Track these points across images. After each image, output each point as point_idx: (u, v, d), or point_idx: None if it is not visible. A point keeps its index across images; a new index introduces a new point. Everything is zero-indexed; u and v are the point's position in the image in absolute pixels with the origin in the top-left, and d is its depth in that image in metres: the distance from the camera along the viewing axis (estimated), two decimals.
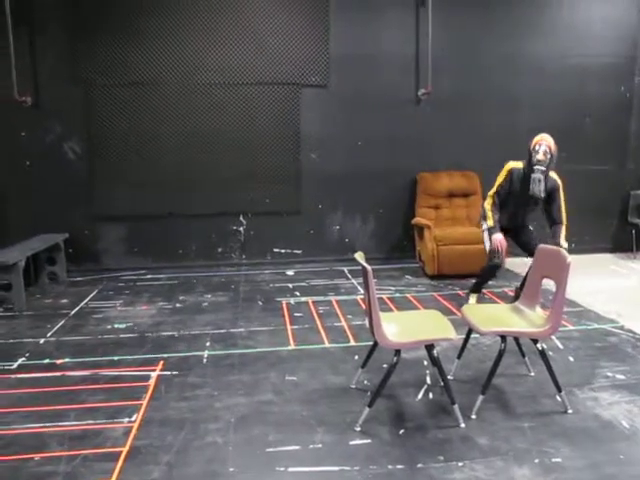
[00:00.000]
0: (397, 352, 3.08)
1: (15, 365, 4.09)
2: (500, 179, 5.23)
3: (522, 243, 5.39)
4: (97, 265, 7.05)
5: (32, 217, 6.80)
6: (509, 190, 5.19)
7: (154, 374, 3.89)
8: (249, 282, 6.44)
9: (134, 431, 3.11)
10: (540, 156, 4.97)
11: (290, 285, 6.23)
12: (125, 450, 2.91)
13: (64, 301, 5.79)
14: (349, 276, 6.61)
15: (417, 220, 6.90)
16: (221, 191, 7.00)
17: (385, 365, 3.74)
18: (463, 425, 3.11)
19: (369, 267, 2.95)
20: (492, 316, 3.45)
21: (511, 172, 5.18)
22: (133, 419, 3.24)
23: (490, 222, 5.20)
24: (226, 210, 7.07)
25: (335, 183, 7.16)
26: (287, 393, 3.57)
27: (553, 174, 5.12)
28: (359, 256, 3.15)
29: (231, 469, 2.74)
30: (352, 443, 2.96)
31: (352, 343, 4.44)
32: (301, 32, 6.88)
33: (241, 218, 7.14)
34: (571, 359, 4.08)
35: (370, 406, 3.12)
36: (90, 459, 2.83)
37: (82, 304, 5.67)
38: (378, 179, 7.23)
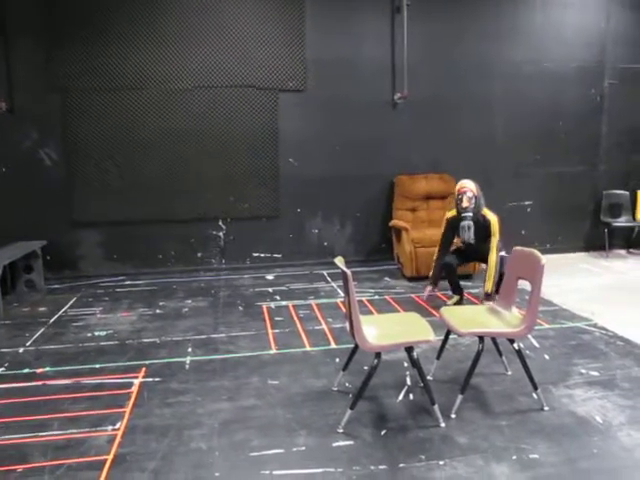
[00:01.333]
0: (377, 355, 3.14)
1: None
2: (442, 230, 5.50)
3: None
4: (75, 272, 7.01)
5: (8, 224, 6.73)
6: (453, 235, 5.43)
7: (137, 381, 3.89)
8: (229, 287, 6.46)
9: (118, 439, 3.12)
10: (464, 204, 5.19)
11: (270, 289, 6.26)
12: (110, 458, 2.92)
13: (42, 309, 5.75)
14: (329, 279, 6.66)
15: (394, 222, 6.98)
16: (200, 196, 7.01)
17: (366, 367, 3.79)
18: (443, 425, 3.18)
19: (349, 271, 3.00)
20: (470, 317, 3.52)
21: (448, 221, 5.43)
22: (117, 427, 3.25)
23: (430, 275, 5.51)
24: (205, 215, 7.08)
25: (314, 187, 7.22)
26: (269, 397, 3.61)
27: (486, 212, 5.27)
28: (339, 261, 3.20)
29: (217, 474, 2.77)
30: (335, 445, 3.01)
31: (333, 346, 4.49)
32: (277, 37, 6.92)
33: (220, 223, 7.15)
34: (547, 357, 4.18)
35: (352, 408, 3.17)
36: (74, 468, 2.84)
37: (61, 312, 5.63)
38: (356, 183, 7.31)
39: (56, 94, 6.66)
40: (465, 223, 5.22)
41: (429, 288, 5.48)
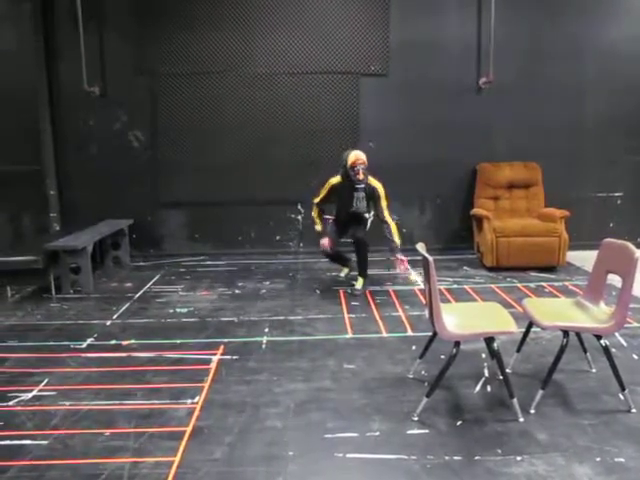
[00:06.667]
0: (457, 344, 3.08)
1: (85, 345, 4.30)
2: (323, 192, 5.70)
3: (353, 228, 5.66)
4: (159, 251, 7.29)
5: (98, 203, 7.08)
6: (337, 202, 5.66)
7: (215, 358, 4.00)
8: (306, 270, 6.52)
9: (197, 412, 3.22)
10: (361, 176, 5.40)
11: None
12: (189, 430, 3.03)
13: (128, 285, 6.02)
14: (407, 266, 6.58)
15: (476, 211, 6.81)
16: (280, 179, 7.09)
17: (443, 356, 3.74)
18: (522, 419, 3.09)
19: (431, 258, 2.96)
20: (555, 310, 3.39)
21: (333, 187, 5.59)
22: (196, 400, 3.36)
23: (318, 227, 5.85)
24: (285, 198, 7.16)
25: (393, 172, 7.06)
26: (345, 381, 3.62)
27: (371, 180, 5.50)
28: (420, 247, 3.16)
29: (290, 453, 2.80)
30: (409, 432, 2.98)
31: (409, 333, 4.45)
32: (361, 20, 6.88)
33: (299, 206, 7.21)
34: (635, 357, 3.97)
35: (428, 396, 3.14)
36: (156, 437, 2.96)
37: (145, 288, 5.87)
38: (437, 169, 7.17)
39: (145, 78, 6.92)
40: (360, 195, 5.45)
41: (325, 241, 5.59)
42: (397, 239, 5.45)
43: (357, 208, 5.50)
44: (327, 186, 5.63)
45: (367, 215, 5.63)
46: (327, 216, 5.81)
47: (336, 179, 5.57)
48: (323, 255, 5.87)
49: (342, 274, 6.13)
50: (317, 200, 5.77)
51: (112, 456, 2.78)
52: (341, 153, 5.54)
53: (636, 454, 2.77)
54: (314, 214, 5.84)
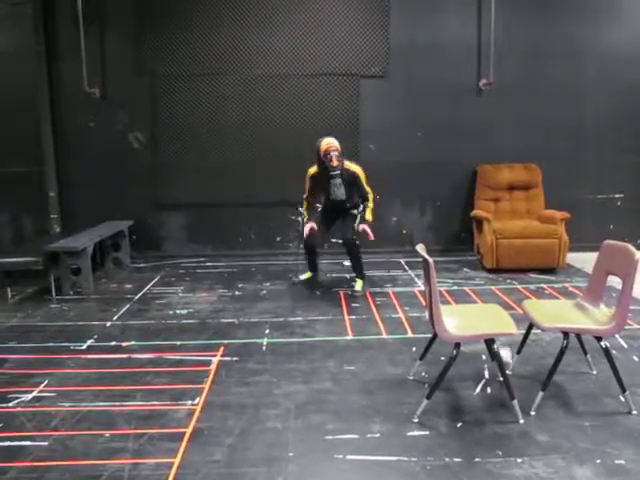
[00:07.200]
0: (457, 345, 3.08)
1: (85, 346, 4.29)
2: (307, 185, 5.78)
3: (341, 229, 5.76)
4: (159, 252, 7.29)
5: (99, 204, 7.07)
6: (320, 189, 5.70)
7: (215, 359, 4.00)
8: (307, 271, 6.49)
9: (197, 413, 3.21)
10: (335, 163, 5.37)
11: (347, 276, 6.25)
12: (189, 431, 3.02)
13: (128, 286, 6.01)
14: (406, 268, 6.59)
15: (476, 212, 6.80)
16: (280, 181, 7.07)
17: (443, 358, 3.74)
18: (522, 421, 3.08)
19: (431, 259, 2.96)
20: (555, 312, 3.39)
21: (313, 177, 5.65)
22: (196, 402, 3.35)
23: (305, 218, 5.83)
24: (284, 200, 7.14)
25: (393, 174, 7.12)
26: (345, 382, 3.61)
27: (349, 165, 5.50)
28: (420, 248, 3.16)
29: (291, 454, 2.80)
30: (409, 434, 2.98)
31: (410, 335, 4.45)
32: (362, 22, 6.89)
33: (300, 208, 7.19)
34: (635, 359, 3.96)
35: (428, 398, 3.13)
36: (156, 438, 2.96)
37: (145, 289, 5.87)
38: (437, 170, 7.17)
39: (145, 80, 6.92)
40: (335, 181, 5.46)
41: (309, 224, 5.67)
42: (369, 215, 5.53)
43: (336, 195, 5.52)
44: (307, 178, 5.70)
45: (355, 211, 5.62)
46: (317, 204, 5.87)
47: (313, 169, 5.61)
48: (304, 249, 5.94)
49: (301, 276, 6.12)
50: (306, 194, 5.83)
51: (112, 457, 2.78)
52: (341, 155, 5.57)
53: (636, 456, 2.76)
54: (303, 209, 5.88)
